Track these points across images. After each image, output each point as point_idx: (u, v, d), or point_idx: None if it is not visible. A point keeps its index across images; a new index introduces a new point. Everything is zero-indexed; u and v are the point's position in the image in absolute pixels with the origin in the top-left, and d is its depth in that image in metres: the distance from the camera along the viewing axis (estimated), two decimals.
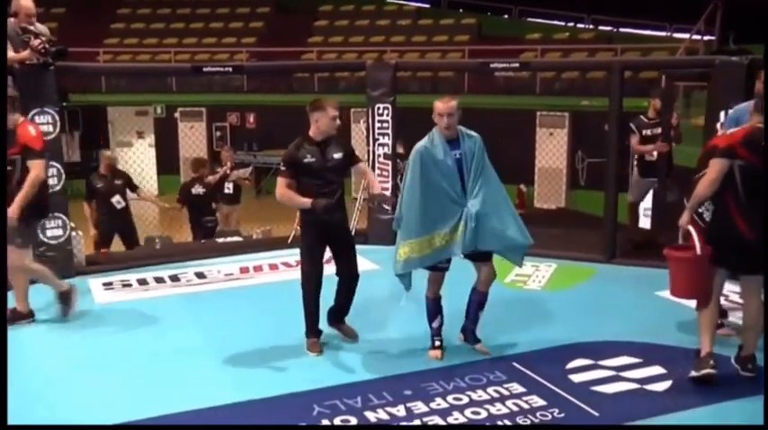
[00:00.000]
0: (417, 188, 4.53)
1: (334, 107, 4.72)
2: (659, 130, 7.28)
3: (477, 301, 4.78)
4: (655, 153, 7.38)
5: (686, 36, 11.89)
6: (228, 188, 9.36)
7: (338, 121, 4.76)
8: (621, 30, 16.74)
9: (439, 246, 4.53)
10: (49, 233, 6.50)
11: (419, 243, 4.55)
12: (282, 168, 4.74)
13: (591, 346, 4.91)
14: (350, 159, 4.90)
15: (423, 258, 4.57)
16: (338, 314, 5.04)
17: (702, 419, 3.96)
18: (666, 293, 6.08)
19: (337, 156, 4.75)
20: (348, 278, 4.92)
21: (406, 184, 4.64)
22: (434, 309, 4.75)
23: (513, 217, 4.63)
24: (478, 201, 4.50)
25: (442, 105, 4.51)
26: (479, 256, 4.66)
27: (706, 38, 11.49)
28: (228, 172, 9.38)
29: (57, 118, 6.46)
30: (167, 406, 4.12)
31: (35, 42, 6.02)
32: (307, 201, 4.61)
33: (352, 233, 5.77)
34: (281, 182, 4.73)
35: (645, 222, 9.38)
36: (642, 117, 7.53)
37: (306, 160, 4.67)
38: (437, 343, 4.78)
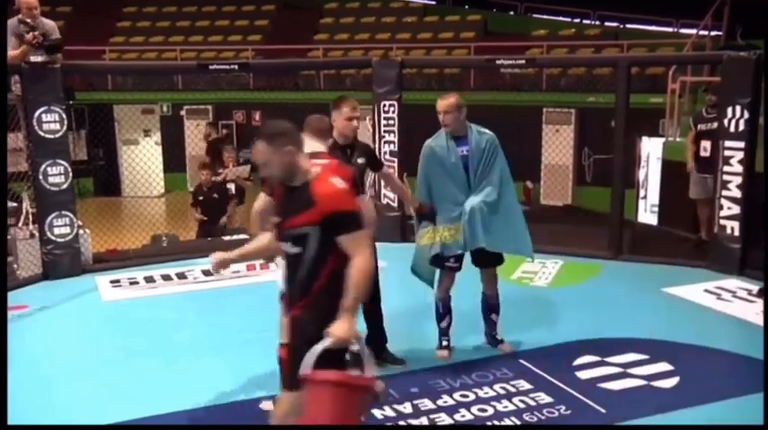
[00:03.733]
0: (424, 184, 4.60)
1: (351, 106, 4.32)
2: (716, 125, 6.89)
3: (488, 304, 4.84)
4: (709, 148, 7.11)
5: (693, 32, 11.79)
6: (231, 189, 9.33)
7: (356, 123, 4.34)
8: (628, 26, 16.67)
9: (441, 241, 4.53)
10: (56, 231, 6.52)
11: (429, 233, 4.57)
12: None
13: (597, 343, 4.91)
14: (372, 163, 4.58)
15: (431, 248, 4.57)
16: (378, 343, 4.58)
17: (711, 416, 3.94)
18: (673, 290, 6.12)
19: (361, 161, 4.42)
20: (372, 299, 4.44)
21: (417, 179, 4.69)
22: (444, 309, 4.75)
23: (523, 227, 4.64)
24: (478, 198, 4.48)
25: (439, 103, 4.52)
26: (484, 261, 4.67)
27: (713, 33, 11.42)
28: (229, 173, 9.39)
29: (63, 116, 6.49)
30: (174, 403, 4.13)
31: (29, 36, 6.12)
32: None
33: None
34: None
35: (651, 218, 9.37)
36: (703, 111, 7.40)
37: None
38: (444, 343, 4.79)
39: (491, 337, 4.93)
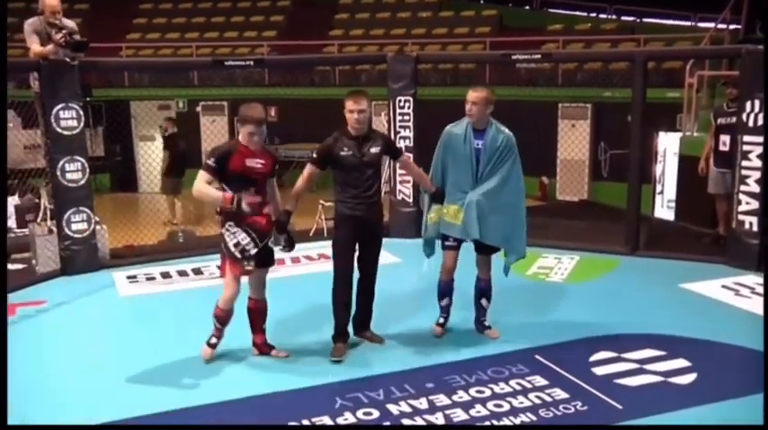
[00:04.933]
0: (438, 168, 4.84)
1: (354, 100, 4.51)
2: (734, 119, 6.76)
3: (479, 289, 4.98)
4: (728, 143, 7.03)
5: (711, 25, 11.66)
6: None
7: (359, 115, 4.49)
8: (644, 20, 16.51)
9: (441, 220, 4.77)
10: (73, 227, 6.58)
11: (436, 211, 4.83)
12: (313, 156, 4.68)
13: (614, 339, 4.89)
14: (390, 152, 4.84)
15: (433, 225, 4.85)
16: (362, 319, 4.94)
17: (729, 413, 3.91)
18: (690, 285, 6.08)
19: (374, 150, 4.60)
20: (367, 278, 4.83)
21: (432, 162, 4.91)
22: (444, 289, 4.94)
23: (521, 227, 4.80)
24: (481, 192, 4.64)
25: (470, 93, 4.69)
26: (482, 248, 4.83)
27: (732, 27, 11.29)
28: None
29: (80, 113, 6.54)
30: (189, 399, 4.17)
31: (57, 36, 6.24)
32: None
33: None
34: (305, 171, 4.65)
35: (667, 213, 9.31)
36: (724, 105, 7.33)
37: (342, 153, 4.54)
38: (441, 320, 5.01)
39: (479, 323, 5.05)
